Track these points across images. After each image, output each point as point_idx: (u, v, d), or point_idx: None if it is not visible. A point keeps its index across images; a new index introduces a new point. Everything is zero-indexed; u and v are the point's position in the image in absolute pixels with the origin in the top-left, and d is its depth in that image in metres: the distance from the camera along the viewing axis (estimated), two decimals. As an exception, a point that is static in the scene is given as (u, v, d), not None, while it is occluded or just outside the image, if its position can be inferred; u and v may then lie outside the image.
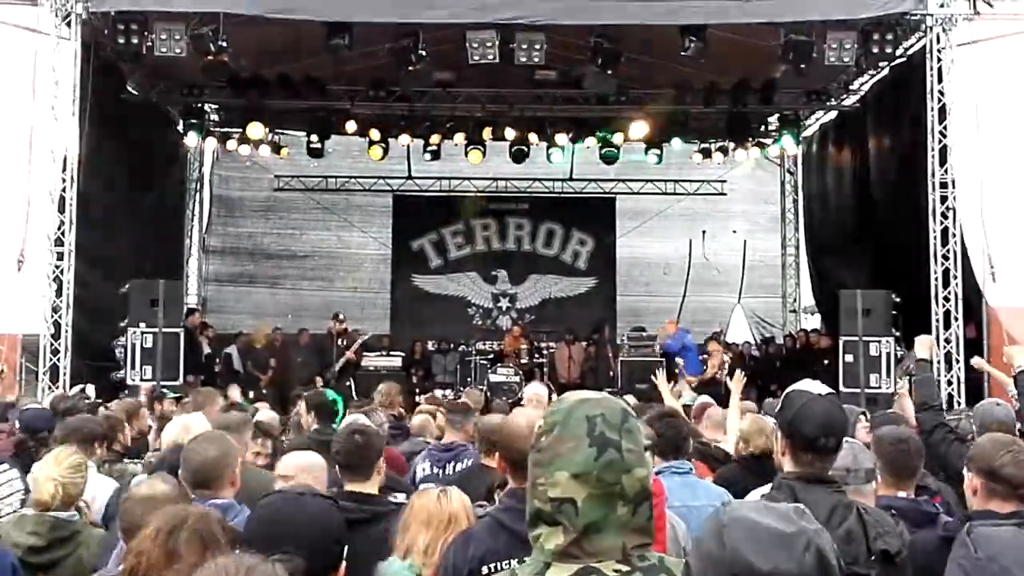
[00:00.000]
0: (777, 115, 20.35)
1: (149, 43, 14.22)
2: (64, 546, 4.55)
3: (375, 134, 20.09)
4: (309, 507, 2.45)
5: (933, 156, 14.79)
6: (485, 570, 3.45)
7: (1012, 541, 3.78)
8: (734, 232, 23.31)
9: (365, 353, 18.62)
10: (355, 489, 4.58)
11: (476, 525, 3.75)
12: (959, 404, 13.55)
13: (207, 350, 18.23)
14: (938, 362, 14.81)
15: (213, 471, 4.21)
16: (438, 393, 15.91)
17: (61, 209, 14.43)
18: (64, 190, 14.45)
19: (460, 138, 20.38)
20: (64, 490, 4.62)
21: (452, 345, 20.91)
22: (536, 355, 19.78)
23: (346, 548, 2.48)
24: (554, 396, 8.58)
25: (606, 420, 2.15)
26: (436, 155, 20.94)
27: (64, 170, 14.50)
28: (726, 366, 17.85)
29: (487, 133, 20.16)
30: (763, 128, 21.36)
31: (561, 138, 20.46)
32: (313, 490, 2.55)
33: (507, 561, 3.47)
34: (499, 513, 3.60)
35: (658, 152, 20.76)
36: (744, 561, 1.77)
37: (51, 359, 14.26)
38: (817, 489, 3.35)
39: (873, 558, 3.25)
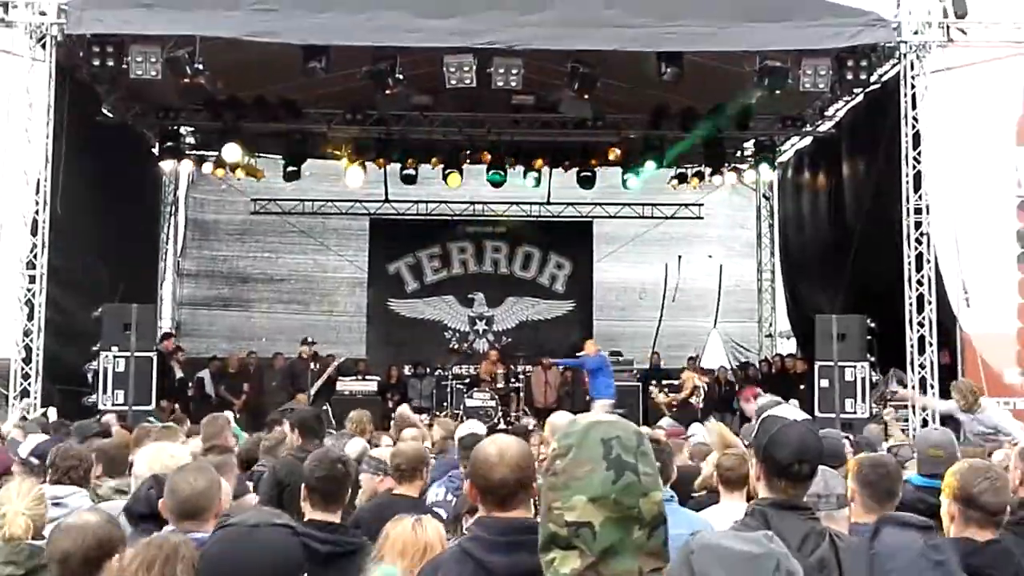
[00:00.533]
0: (753, 140, 20.48)
1: (125, 65, 14.16)
2: (43, 572, 4.50)
3: (352, 158, 20.05)
4: (264, 540, 2.37)
5: (907, 182, 14.89)
6: (451, 600, 3.40)
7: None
8: (710, 257, 23.37)
9: (340, 377, 18.53)
10: (326, 519, 4.52)
11: (444, 554, 3.69)
12: (935, 427, 13.55)
13: (180, 374, 18.10)
14: (913, 388, 14.89)
15: (201, 502, 4.13)
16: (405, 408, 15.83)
17: (34, 232, 14.30)
18: (37, 212, 14.33)
19: (437, 162, 20.37)
20: (34, 522, 4.59)
21: (428, 369, 20.84)
22: (512, 379, 19.71)
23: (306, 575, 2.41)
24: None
25: (622, 443, 2.13)
26: (413, 179, 20.93)
27: (37, 192, 14.39)
28: (701, 392, 17.93)
29: (464, 157, 20.17)
30: (739, 154, 21.49)
31: (537, 163, 20.51)
32: (268, 520, 2.47)
33: (473, 591, 3.42)
34: (467, 543, 3.54)
35: (634, 177, 20.81)
36: None
37: (22, 383, 14.10)
38: (790, 516, 3.30)
39: (846, 587, 3.22)
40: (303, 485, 4.67)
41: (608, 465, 2.11)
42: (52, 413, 11.24)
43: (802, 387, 16.82)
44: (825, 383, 14.38)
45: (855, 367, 14.42)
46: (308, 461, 4.82)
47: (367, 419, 9.48)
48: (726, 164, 20.72)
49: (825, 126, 19.23)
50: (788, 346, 22.66)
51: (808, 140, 20.42)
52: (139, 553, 2.82)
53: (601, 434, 2.15)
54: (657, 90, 16.18)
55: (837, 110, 18.61)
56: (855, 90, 16.78)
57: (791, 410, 3.55)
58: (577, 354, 18.15)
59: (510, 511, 3.58)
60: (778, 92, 15.06)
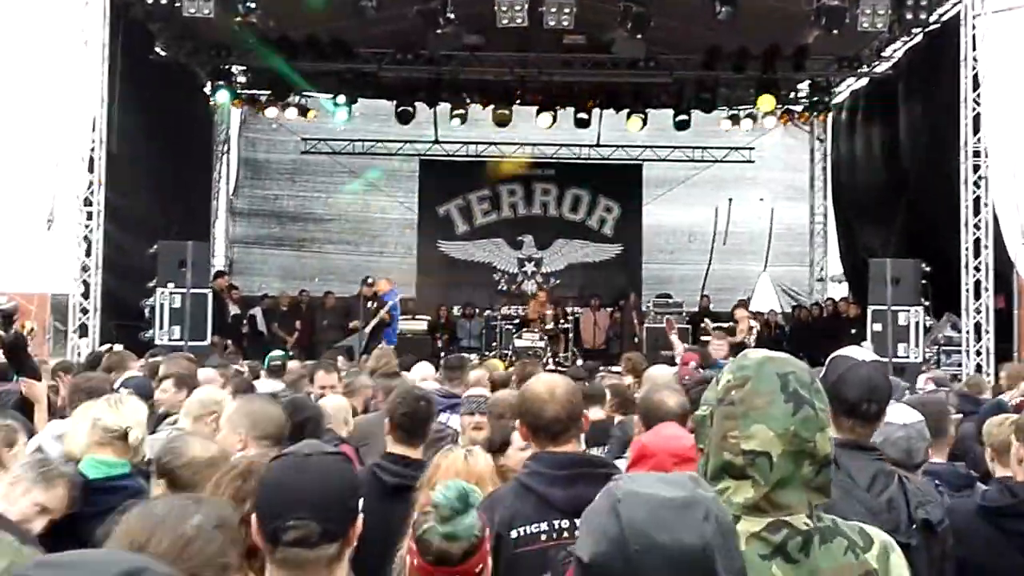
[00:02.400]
0: (808, 81, 20.15)
1: (178, 3, 14.21)
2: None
3: (402, 98, 20.00)
4: (317, 468, 2.41)
5: (966, 124, 14.63)
6: (514, 534, 3.46)
7: None
8: (761, 200, 23.13)
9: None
10: (405, 454, 4.61)
11: (501, 489, 3.74)
12: (988, 375, 13.45)
13: (234, 311, 18.32)
14: (967, 332, 14.74)
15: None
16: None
17: (90, 169, 14.50)
18: (93, 150, 14.51)
19: (487, 103, 20.26)
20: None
21: (477, 310, 20.93)
22: (562, 320, 19.75)
23: (361, 501, 2.45)
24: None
25: (797, 378, 2.18)
26: (463, 120, 20.84)
27: (93, 130, 14.56)
28: (754, 332, 17.78)
29: (514, 98, 20.05)
30: (793, 95, 21.16)
31: (588, 104, 20.33)
32: (320, 448, 2.52)
33: (536, 524, 3.48)
34: (526, 478, 3.60)
35: (685, 119, 20.59)
36: (642, 534, 1.73)
37: (80, 318, 14.39)
38: (859, 456, 3.29)
39: (914, 527, 3.22)
40: (387, 419, 4.74)
41: (787, 397, 2.15)
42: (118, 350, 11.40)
43: (854, 331, 16.69)
44: (878, 327, 14.23)
45: (909, 311, 14.23)
46: (392, 397, 4.90)
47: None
48: (779, 105, 20.40)
49: (882, 67, 18.83)
50: (840, 290, 22.45)
51: (864, 81, 20.04)
52: (233, 466, 2.94)
53: (776, 368, 2.19)
54: (711, 30, 15.93)
55: (895, 51, 18.24)
56: (914, 30, 16.44)
57: (860, 351, 3.55)
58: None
59: (562, 446, 3.64)
60: (835, 32, 14.77)
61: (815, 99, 20.07)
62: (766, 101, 19.01)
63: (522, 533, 3.47)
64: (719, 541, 1.75)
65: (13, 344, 6.04)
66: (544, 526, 3.49)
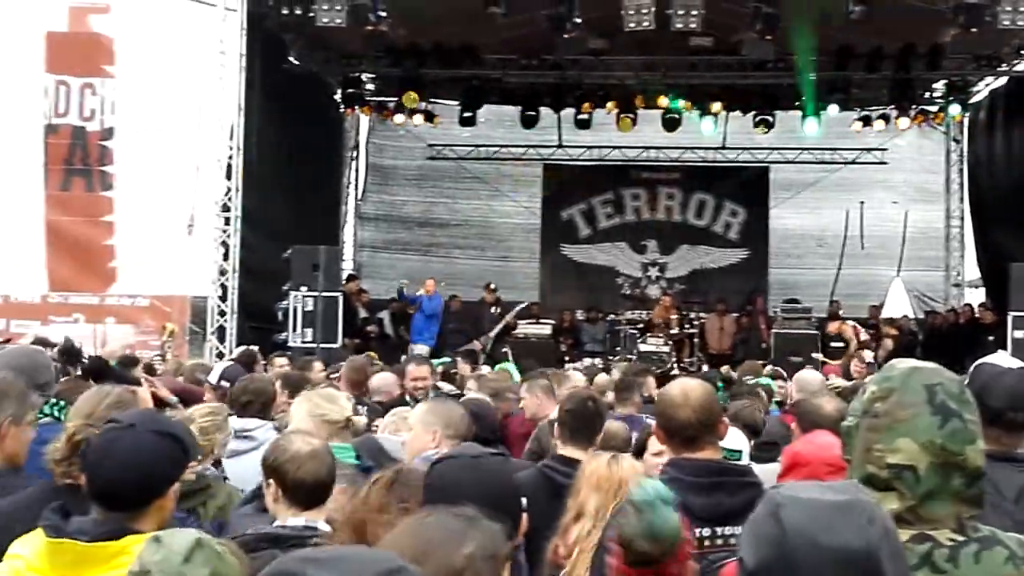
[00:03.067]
0: (944, 81, 19.55)
1: (311, 14, 14.57)
2: (191, 498, 4.49)
3: (527, 103, 20.11)
4: (484, 469, 2.47)
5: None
6: (653, 539, 3.44)
7: None
8: (895, 203, 22.50)
9: (518, 321, 18.79)
10: (572, 456, 4.59)
11: (643, 494, 3.73)
12: None
13: (363, 315, 18.67)
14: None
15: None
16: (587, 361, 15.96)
17: (228, 175, 14.97)
18: (231, 158, 14.99)
19: (612, 107, 20.21)
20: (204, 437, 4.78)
21: (601, 314, 20.86)
22: (687, 325, 19.55)
23: (524, 501, 2.49)
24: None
25: (945, 389, 2.14)
26: (587, 124, 20.82)
27: (231, 138, 15.03)
28: (859, 332, 17.12)
29: (639, 101, 19.96)
30: (928, 94, 20.54)
31: (714, 106, 20.11)
32: (483, 450, 2.57)
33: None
34: (665, 483, 3.59)
35: (815, 120, 20.17)
36: (806, 538, 1.70)
37: (218, 320, 14.86)
38: (1006, 467, 3.20)
39: (1066, 541, 3.10)
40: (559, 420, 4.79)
41: (934, 410, 2.11)
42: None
43: (992, 338, 16.10)
44: (1020, 334, 13.72)
45: (1051, 317, 13.71)
46: (564, 398, 4.95)
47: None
48: (914, 105, 19.82)
49: (1022, 65, 18.15)
50: (977, 296, 21.69)
51: (1004, 80, 19.34)
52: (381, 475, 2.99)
53: (924, 379, 2.16)
54: (843, 29, 15.60)
55: (1037, 48, 17.56)
56: (1057, 27, 15.78)
57: (1006, 358, 3.45)
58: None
59: (697, 452, 3.61)
60: (973, 30, 14.30)
61: (952, 99, 19.42)
62: (905, 103, 18.52)
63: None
64: (884, 545, 1.72)
65: (96, 369, 6.10)
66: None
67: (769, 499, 1.80)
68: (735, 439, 4.65)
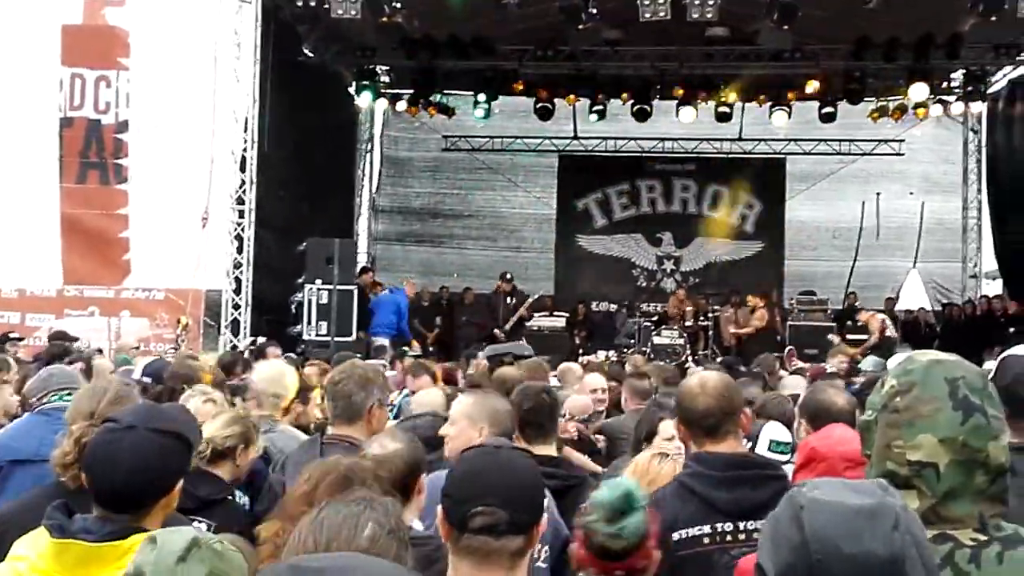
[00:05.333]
0: (962, 70, 19.39)
1: (326, 5, 14.52)
2: None
3: (542, 94, 20.03)
4: (508, 460, 2.46)
5: None
6: (676, 536, 3.39)
7: None
8: (911, 194, 22.35)
9: (532, 312, 18.74)
10: (543, 453, 4.43)
11: (663, 489, 3.68)
12: None
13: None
14: None
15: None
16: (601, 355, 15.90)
17: (242, 169, 14.95)
18: (245, 150, 14.96)
19: (627, 97, 20.12)
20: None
21: (616, 306, 20.79)
22: (701, 318, 19.47)
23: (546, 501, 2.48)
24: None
25: (968, 383, 2.08)
26: (602, 115, 20.71)
27: (245, 131, 15.01)
28: (886, 326, 17.10)
29: (655, 92, 19.86)
30: (946, 84, 20.38)
31: (730, 97, 19.99)
32: (509, 444, 2.57)
33: (699, 527, 3.42)
34: (687, 478, 3.54)
35: (832, 112, 20.05)
36: (828, 544, 1.65)
37: (232, 314, 14.85)
38: (1034, 460, 3.15)
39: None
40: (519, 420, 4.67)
41: (955, 405, 2.05)
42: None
43: (1011, 330, 15.98)
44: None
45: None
46: (514, 395, 4.81)
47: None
48: (932, 96, 19.67)
49: (1043, 55, 18.03)
50: (994, 287, 21.53)
51: (1022, 69, 19.15)
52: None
53: (945, 373, 2.09)
54: (860, 19, 15.47)
55: (1057, 37, 17.40)
56: (1079, 14, 15.62)
57: (1030, 349, 3.39)
58: None
59: (719, 443, 3.56)
60: (993, 18, 14.17)
61: (970, 88, 19.26)
62: (918, 91, 18.35)
63: (684, 536, 3.41)
64: (911, 553, 1.66)
65: None
66: (707, 529, 3.42)
67: (792, 501, 1.74)
68: (779, 431, 4.58)
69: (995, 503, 2.05)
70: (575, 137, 22.33)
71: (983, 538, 2.02)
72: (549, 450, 4.52)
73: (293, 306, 15.06)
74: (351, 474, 2.85)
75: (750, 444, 4.21)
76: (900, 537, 1.67)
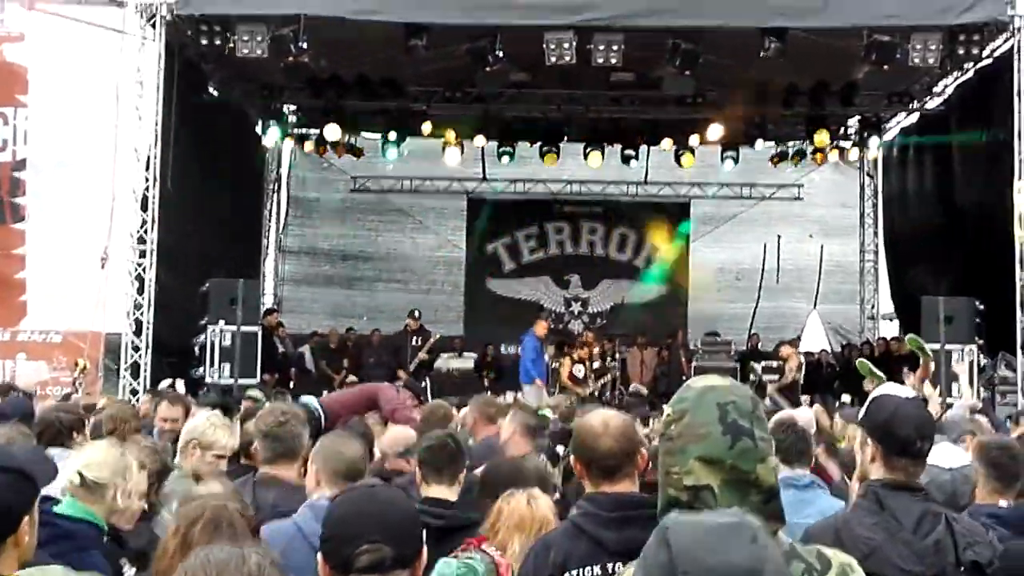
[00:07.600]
0: (857, 117, 20.02)
1: (231, 44, 14.41)
2: None
3: (450, 136, 20.12)
4: (386, 497, 2.47)
5: (1020, 160, 14.41)
6: (566, 576, 3.40)
7: None
8: (811, 236, 22.93)
9: (442, 353, 18.69)
10: (439, 496, 4.41)
11: (555, 531, 3.70)
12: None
13: (283, 349, 18.42)
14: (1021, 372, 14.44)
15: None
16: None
17: (144, 208, 14.68)
18: (147, 189, 14.71)
19: (535, 140, 20.32)
20: None
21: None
22: (609, 359, 19.61)
23: (424, 534, 2.49)
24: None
25: (737, 407, 2.13)
26: (512, 156, 20.88)
27: (147, 169, 14.76)
28: (803, 369, 17.54)
29: (562, 135, 20.11)
30: (842, 130, 21.02)
31: (636, 141, 20.34)
32: (378, 482, 2.59)
33: (588, 567, 3.43)
34: (579, 519, 3.55)
35: (734, 156, 20.52)
36: (691, 558, 1.71)
37: (132, 356, 14.51)
38: (903, 496, 3.24)
39: (963, 569, 3.14)
40: (418, 461, 4.64)
41: (724, 429, 2.10)
42: (180, 386, 11.50)
43: (906, 370, 16.40)
44: (932, 366, 13.96)
45: (963, 350, 14.00)
46: (422, 438, 4.82)
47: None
48: (830, 142, 20.26)
49: (933, 102, 18.68)
50: (891, 328, 22.13)
51: (915, 117, 19.86)
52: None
53: (717, 398, 2.15)
54: (759, 66, 15.89)
55: (946, 86, 18.06)
56: (965, 65, 16.27)
57: (901, 388, 3.49)
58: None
59: (616, 484, 3.58)
60: (885, 67, 14.68)
61: (865, 134, 19.89)
62: (817, 137, 18.91)
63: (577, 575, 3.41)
64: (771, 566, 1.74)
65: None
66: (597, 569, 3.42)
67: (659, 527, 1.81)
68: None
69: (772, 521, 2.10)
70: (484, 179, 22.46)
71: None
72: (445, 493, 4.46)
73: (196, 348, 14.78)
74: (218, 517, 2.84)
75: None
76: (760, 549, 1.74)
